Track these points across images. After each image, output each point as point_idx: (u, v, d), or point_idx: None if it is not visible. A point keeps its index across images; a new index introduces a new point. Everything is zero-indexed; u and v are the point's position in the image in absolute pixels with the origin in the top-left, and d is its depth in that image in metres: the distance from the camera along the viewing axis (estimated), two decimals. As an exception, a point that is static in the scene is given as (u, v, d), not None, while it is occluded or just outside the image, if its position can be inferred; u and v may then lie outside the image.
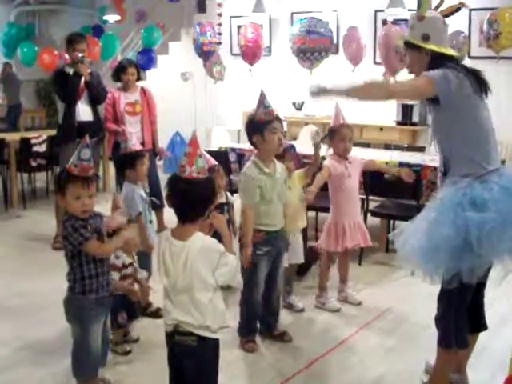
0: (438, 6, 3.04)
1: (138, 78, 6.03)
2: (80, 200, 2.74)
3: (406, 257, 2.88)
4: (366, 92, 2.98)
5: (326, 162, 4.25)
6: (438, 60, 2.89)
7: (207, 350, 2.49)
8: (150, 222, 4.14)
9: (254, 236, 3.58)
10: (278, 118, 3.56)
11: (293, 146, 4.25)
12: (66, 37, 5.83)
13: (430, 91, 2.81)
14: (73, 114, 5.60)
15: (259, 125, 3.49)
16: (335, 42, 8.60)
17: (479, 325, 3.12)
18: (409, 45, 3.00)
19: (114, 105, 5.84)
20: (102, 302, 2.89)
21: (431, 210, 2.83)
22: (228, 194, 4.60)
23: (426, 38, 2.90)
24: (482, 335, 3.19)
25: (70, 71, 5.58)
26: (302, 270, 4.76)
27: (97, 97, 5.75)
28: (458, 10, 3.06)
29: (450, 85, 2.78)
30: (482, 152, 2.83)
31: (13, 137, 7.53)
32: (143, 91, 6.04)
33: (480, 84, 2.87)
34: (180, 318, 2.46)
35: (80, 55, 5.51)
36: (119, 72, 5.92)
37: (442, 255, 2.68)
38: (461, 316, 2.90)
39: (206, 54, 8.32)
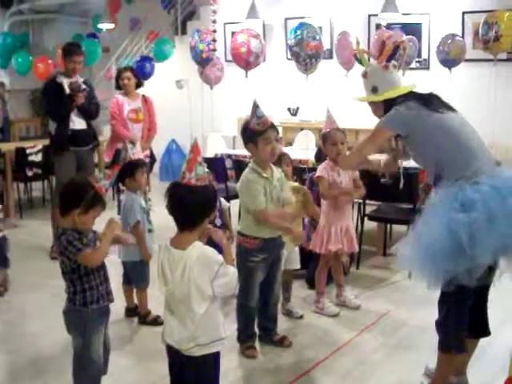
0: (380, 53, 3.23)
1: (138, 84, 6.18)
2: (94, 219, 2.81)
3: (405, 265, 2.95)
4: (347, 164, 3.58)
5: (320, 172, 4.23)
6: (392, 101, 3.09)
7: (208, 359, 2.47)
8: (150, 230, 4.13)
9: (249, 243, 3.58)
10: (272, 127, 3.53)
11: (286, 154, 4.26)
12: (63, 46, 5.80)
13: (389, 135, 3.10)
14: (66, 124, 5.57)
15: (253, 135, 3.48)
16: (329, 47, 8.64)
17: (482, 330, 3.12)
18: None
19: (119, 109, 5.98)
20: (103, 312, 2.89)
21: (426, 216, 2.85)
22: (222, 199, 4.61)
23: (374, 90, 3.17)
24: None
25: (64, 81, 5.53)
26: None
27: (89, 116, 5.73)
28: (397, 48, 3.26)
29: (403, 117, 2.98)
30: (465, 155, 2.87)
31: (8, 146, 7.52)
32: (145, 99, 6.21)
33: (434, 102, 3.01)
34: (175, 336, 2.46)
35: (83, 87, 5.46)
36: (117, 78, 6.15)
37: (439, 260, 2.70)
38: (461, 320, 2.90)
39: (205, 60, 8.32)
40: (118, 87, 6.18)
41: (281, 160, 4.02)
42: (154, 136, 6.28)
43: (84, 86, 5.48)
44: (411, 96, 3.06)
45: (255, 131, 3.46)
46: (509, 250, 2.74)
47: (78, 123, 5.64)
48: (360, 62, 3.38)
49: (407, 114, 2.97)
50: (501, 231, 2.66)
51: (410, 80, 3.38)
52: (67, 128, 5.58)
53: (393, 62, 3.19)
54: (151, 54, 9.79)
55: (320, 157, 4.62)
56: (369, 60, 3.39)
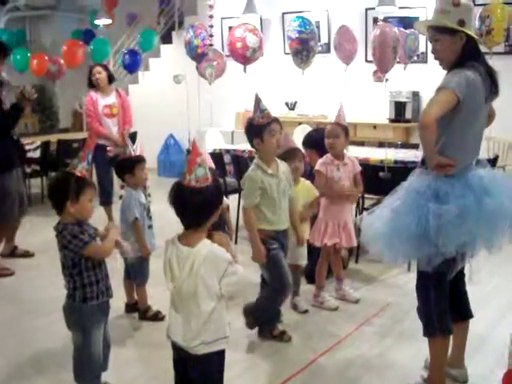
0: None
1: (110, 79, 6.26)
2: (91, 202, 2.83)
3: (369, 241, 3.00)
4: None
5: (318, 166, 4.25)
6: (471, 46, 2.88)
7: (213, 357, 2.47)
8: (150, 227, 4.13)
9: (263, 233, 3.60)
10: (276, 120, 3.58)
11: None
12: None
13: (455, 101, 2.75)
14: (11, 136, 5.25)
15: (258, 128, 3.52)
16: (327, 41, 8.63)
17: (464, 313, 3.15)
18: (441, 29, 2.92)
19: (94, 105, 6.06)
20: (103, 308, 2.91)
21: (396, 197, 2.91)
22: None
23: (461, 23, 2.85)
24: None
25: None
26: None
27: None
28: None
29: (469, 90, 2.75)
30: (461, 152, 2.86)
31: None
32: (118, 94, 6.32)
33: (492, 88, 2.88)
34: (181, 334, 2.45)
35: (35, 95, 5.21)
36: (89, 76, 6.20)
37: (403, 242, 2.79)
38: (441, 302, 2.93)
39: (200, 56, 8.30)
40: (92, 85, 6.21)
41: (294, 155, 4.04)
42: (129, 129, 6.44)
43: (36, 95, 5.20)
44: (483, 67, 2.87)
45: (260, 125, 3.51)
46: (471, 246, 2.81)
47: None
48: None
49: (472, 88, 2.76)
50: (469, 229, 2.72)
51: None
52: (13, 141, 5.30)
53: None
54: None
55: (311, 143, 4.64)
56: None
